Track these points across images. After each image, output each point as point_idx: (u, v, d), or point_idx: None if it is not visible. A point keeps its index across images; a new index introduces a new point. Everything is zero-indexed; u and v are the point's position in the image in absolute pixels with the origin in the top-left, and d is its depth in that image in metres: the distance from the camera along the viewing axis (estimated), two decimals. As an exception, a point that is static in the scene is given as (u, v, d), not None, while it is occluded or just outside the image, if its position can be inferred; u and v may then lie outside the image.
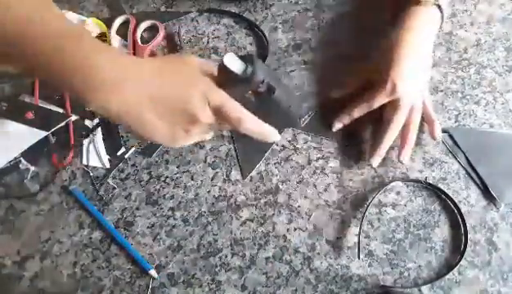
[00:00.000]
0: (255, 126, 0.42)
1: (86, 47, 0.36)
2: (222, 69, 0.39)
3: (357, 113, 0.55)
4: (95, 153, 0.56)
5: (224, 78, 0.40)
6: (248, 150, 0.57)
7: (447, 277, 0.49)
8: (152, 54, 0.63)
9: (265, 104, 0.44)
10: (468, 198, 0.54)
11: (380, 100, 0.53)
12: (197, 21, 0.66)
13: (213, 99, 0.39)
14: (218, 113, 0.40)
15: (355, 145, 0.57)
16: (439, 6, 0.55)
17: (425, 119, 0.56)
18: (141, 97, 0.37)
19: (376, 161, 0.54)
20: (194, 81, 0.40)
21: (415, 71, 0.53)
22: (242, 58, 0.40)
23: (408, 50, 0.52)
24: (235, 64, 0.39)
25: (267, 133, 0.43)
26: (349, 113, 0.56)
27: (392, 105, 0.53)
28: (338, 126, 0.57)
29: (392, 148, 0.57)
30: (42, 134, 0.56)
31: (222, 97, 0.40)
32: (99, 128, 0.58)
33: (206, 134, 0.46)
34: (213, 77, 0.41)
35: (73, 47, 0.35)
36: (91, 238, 0.51)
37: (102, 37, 0.64)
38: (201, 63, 0.42)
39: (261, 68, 0.40)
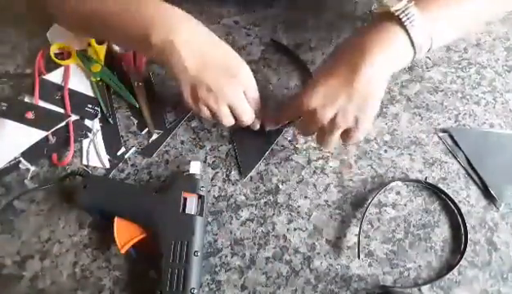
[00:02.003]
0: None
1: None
2: None
3: (269, 126, 0.55)
4: (95, 153, 0.56)
5: None
6: (247, 150, 0.57)
7: (447, 277, 0.49)
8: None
9: None
10: (468, 198, 0.54)
11: (287, 114, 0.52)
12: (197, 21, 0.66)
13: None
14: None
15: (353, 145, 0.57)
16: (406, 31, 0.43)
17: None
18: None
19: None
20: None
21: (332, 91, 0.45)
22: None
23: (334, 63, 0.46)
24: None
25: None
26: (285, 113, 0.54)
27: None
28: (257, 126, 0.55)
29: (391, 148, 0.57)
30: (42, 134, 0.56)
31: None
32: (99, 128, 0.58)
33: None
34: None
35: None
36: (91, 238, 0.51)
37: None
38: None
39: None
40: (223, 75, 0.49)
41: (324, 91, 0.45)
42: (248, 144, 0.57)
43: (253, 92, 0.52)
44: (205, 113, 0.51)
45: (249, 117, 0.52)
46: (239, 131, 0.57)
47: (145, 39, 0.47)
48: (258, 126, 0.55)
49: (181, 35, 0.47)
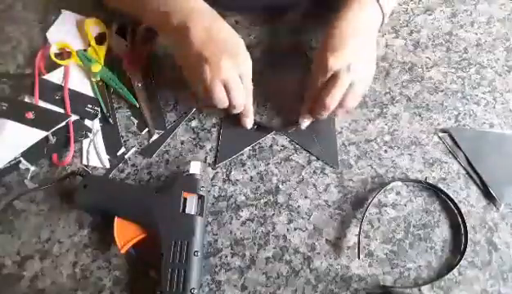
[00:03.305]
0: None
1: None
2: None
3: (311, 102, 0.55)
4: (95, 153, 0.56)
5: None
6: (230, 140, 0.57)
7: (447, 277, 0.49)
8: (152, 54, 0.63)
9: None
10: (468, 198, 0.54)
11: (317, 79, 0.52)
12: (197, 21, 0.66)
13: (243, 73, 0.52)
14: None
15: (354, 144, 0.57)
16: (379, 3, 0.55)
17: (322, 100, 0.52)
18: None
19: (304, 124, 0.57)
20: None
21: (346, 44, 0.51)
22: None
23: (342, 26, 0.52)
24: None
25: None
26: (306, 105, 0.56)
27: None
28: (305, 123, 0.57)
29: (391, 148, 0.57)
30: (42, 134, 0.56)
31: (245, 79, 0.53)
32: (99, 128, 0.58)
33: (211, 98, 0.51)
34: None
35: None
36: (91, 238, 0.51)
37: (102, 37, 0.64)
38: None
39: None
40: (223, 51, 0.50)
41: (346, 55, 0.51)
42: (233, 135, 0.57)
43: (248, 81, 0.53)
44: (200, 88, 0.51)
45: (240, 102, 0.52)
46: (228, 121, 0.58)
47: (166, 19, 0.52)
48: (250, 125, 0.57)
49: (194, 17, 0.51)
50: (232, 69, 0.50)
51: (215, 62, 0.49)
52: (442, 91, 0.61)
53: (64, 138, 0.56)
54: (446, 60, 0.64)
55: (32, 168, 0.55)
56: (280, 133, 0.58)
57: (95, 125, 0.58)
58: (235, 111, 0.54)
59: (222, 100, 0.51)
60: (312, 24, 0.66)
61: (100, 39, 0.63)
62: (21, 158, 0.55)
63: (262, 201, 0.54)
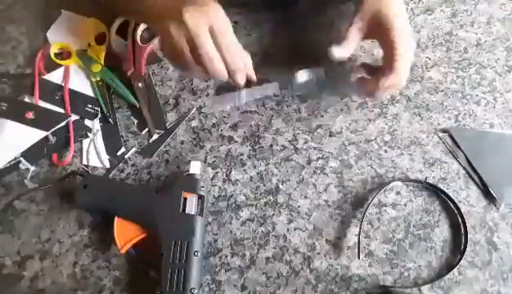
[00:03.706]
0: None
1: None
2: None
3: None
4: (95, 153, 0.56)
5: None
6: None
7: (447, 277, 0.49)
8: (152, 54, 0.63)
9: None
10: (468, 198, 0.54)
11: (399, 57, 0.50)
12: (197, 21, 0.66)
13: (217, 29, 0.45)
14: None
15: (354, 144, 0.57)
16: None
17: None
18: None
19: (338, 52, 0.53)
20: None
21: (407, 23, 0.51)
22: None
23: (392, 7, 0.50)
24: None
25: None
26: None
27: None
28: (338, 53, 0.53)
29: (391, 148, 0.57)
30: (42, 134, 0.56)
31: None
32: (99, 128, 0.58)
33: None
34: None
35: None
36: (91, 238, 0.51)
37: (102, 37, 0.64)
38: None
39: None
40: (189, 4, 0.44)
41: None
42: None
43: (227, 38, 0.46)
44: (167, 49, 0.47)
45: (212, 64, 0.45)
46: None
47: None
48: (241, 83, 0.50)
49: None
50: (198, 22, 0.43)
51: (178, 17, 0.43)
52: (442, 91, 0.61)
53: (64, 138, 0.56)
54: (446, 60, 0.64)
55: (32, 168, 0.55)
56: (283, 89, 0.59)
57: (95, 125, 0.58)
58: (215, 76, 0.47)
59: (188, 59, 0.45)
60: (312, 24, 0.66)
61: (100, 39, 0.63)
62: (21, 158, 0.55)
63: (262, 201, 0.54)
